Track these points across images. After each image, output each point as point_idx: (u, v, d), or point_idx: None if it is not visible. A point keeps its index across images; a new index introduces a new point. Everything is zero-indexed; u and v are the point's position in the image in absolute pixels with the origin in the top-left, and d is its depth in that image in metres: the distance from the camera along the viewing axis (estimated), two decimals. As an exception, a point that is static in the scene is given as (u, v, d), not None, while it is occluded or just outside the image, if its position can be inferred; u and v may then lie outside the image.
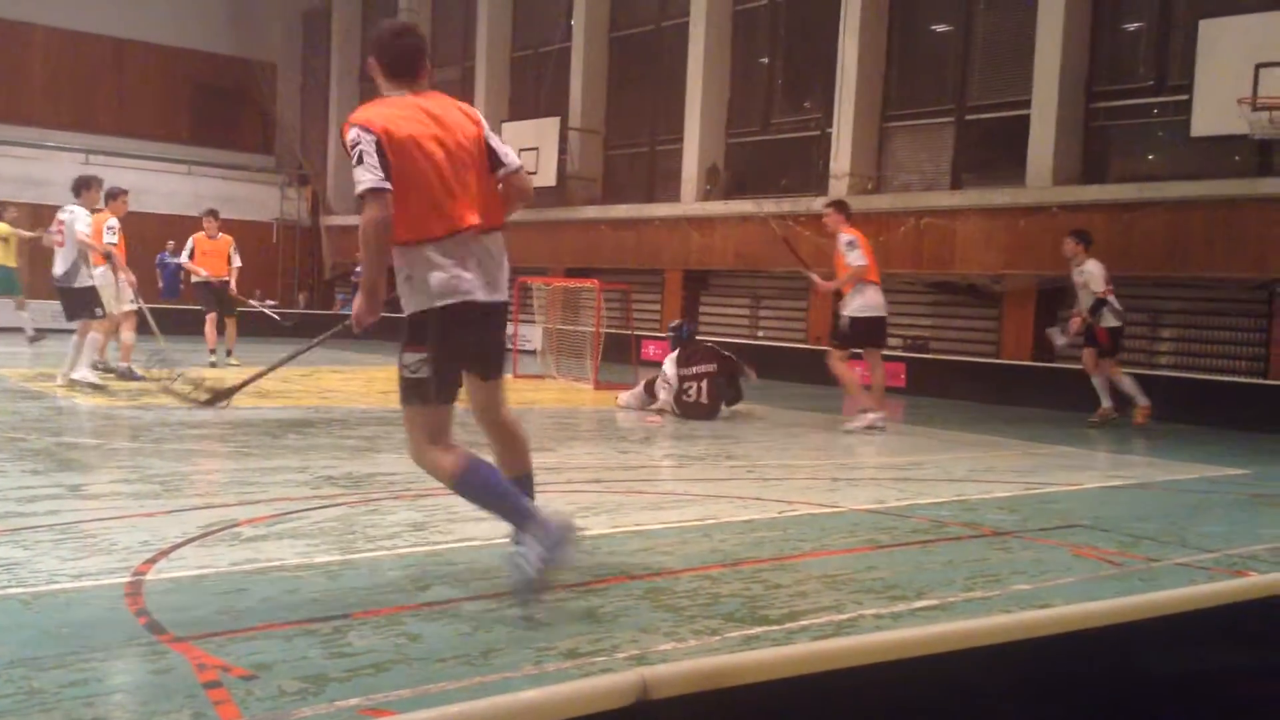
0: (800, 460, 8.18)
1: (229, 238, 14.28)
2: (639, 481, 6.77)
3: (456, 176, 3.88)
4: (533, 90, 21.79)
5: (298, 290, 25.86)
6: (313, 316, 23.63)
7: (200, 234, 14.27)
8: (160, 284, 15.44)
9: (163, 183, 23.49)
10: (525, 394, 12.35)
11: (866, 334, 9.94)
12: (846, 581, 4.38)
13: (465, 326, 3.90)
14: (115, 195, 11.23)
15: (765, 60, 18.18)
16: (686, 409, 10.37)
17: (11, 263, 15.36)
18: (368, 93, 24.20)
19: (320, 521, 5.13)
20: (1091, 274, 11.02)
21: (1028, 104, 13.87)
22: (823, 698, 1.65)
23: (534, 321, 16.65)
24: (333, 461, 6.88)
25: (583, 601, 3.94)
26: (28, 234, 15.49)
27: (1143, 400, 10.98)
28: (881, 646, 1.72)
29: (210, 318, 14.05)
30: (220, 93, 25.65)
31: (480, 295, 3.90)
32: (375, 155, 3.78)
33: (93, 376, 10.33)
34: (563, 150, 19.78)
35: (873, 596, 4.18)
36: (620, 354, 15.42)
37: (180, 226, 17.99)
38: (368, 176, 3.78)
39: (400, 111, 3.93)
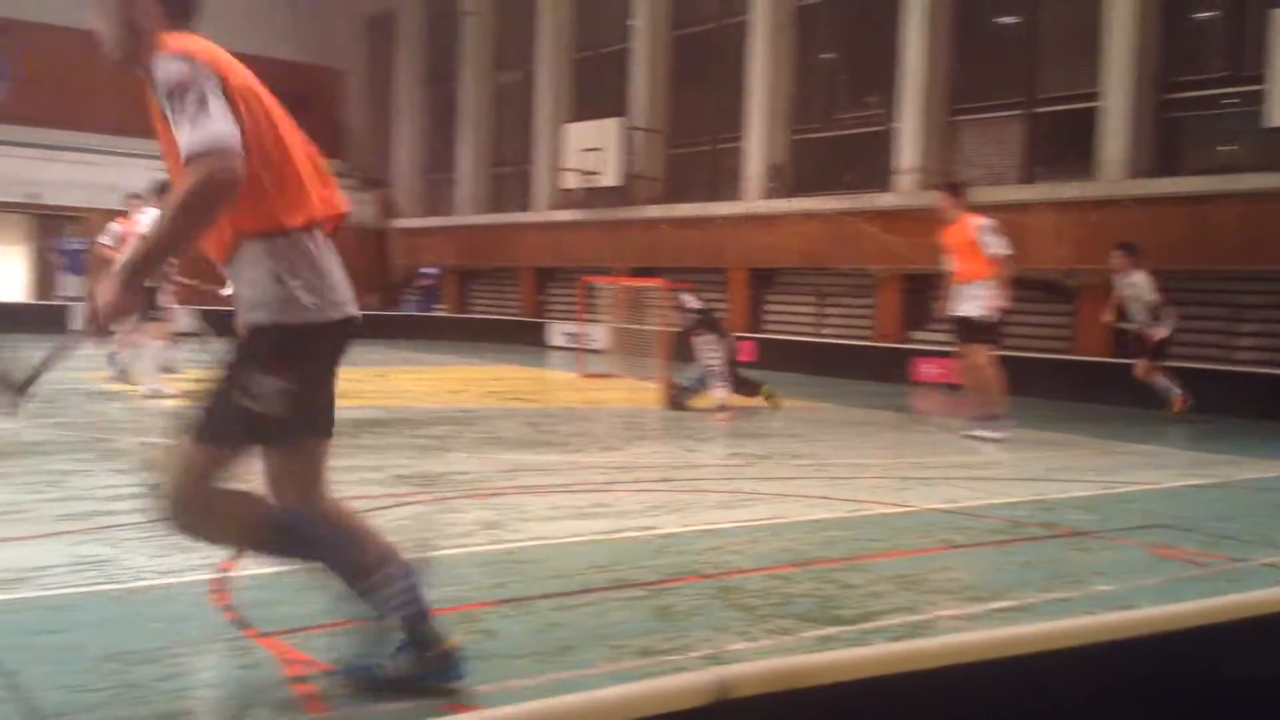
0: (869, 459, 8.14)
1: None
2: (707, 480, 6.79)
3: (302, 147, 3.01)
4: (594, 91, 21.90)
5: (368, 293, 26.27)
6: (379, 318, 23.99)
7: None
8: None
9: (235, 188, 23.93)
10: (592, 393, 12.43)
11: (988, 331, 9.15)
12: (920, 582, 4.36)
13: (340, 353, 3.08)
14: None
15: (827, 56, 18.08)
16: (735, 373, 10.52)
17: None
18: (435, 98, 24.35)
19: (396, 520, 5.22)
20: (1142, 285, 11.08)
21: (1098, 96, 13.64)
22: (901, 699, 1.65)
23: (599, 321, 16.73)
24: (406, 460, 7.00)
25: (656, 600, 3.97)
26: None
27: (1178, 391, 11.14)
28: (960, 648, 1.72)
29: None
30: (289, 99, 25.60)
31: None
32: (223, 99, 2.75)
33: (164, 390, 10.14)
34: (625, 150, 19.84)
35: (948, 597, 4.16)
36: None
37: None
38: (219, 126, 2.67)
39: (223, 53, 2.93)
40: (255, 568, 4.22)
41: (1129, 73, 13.25)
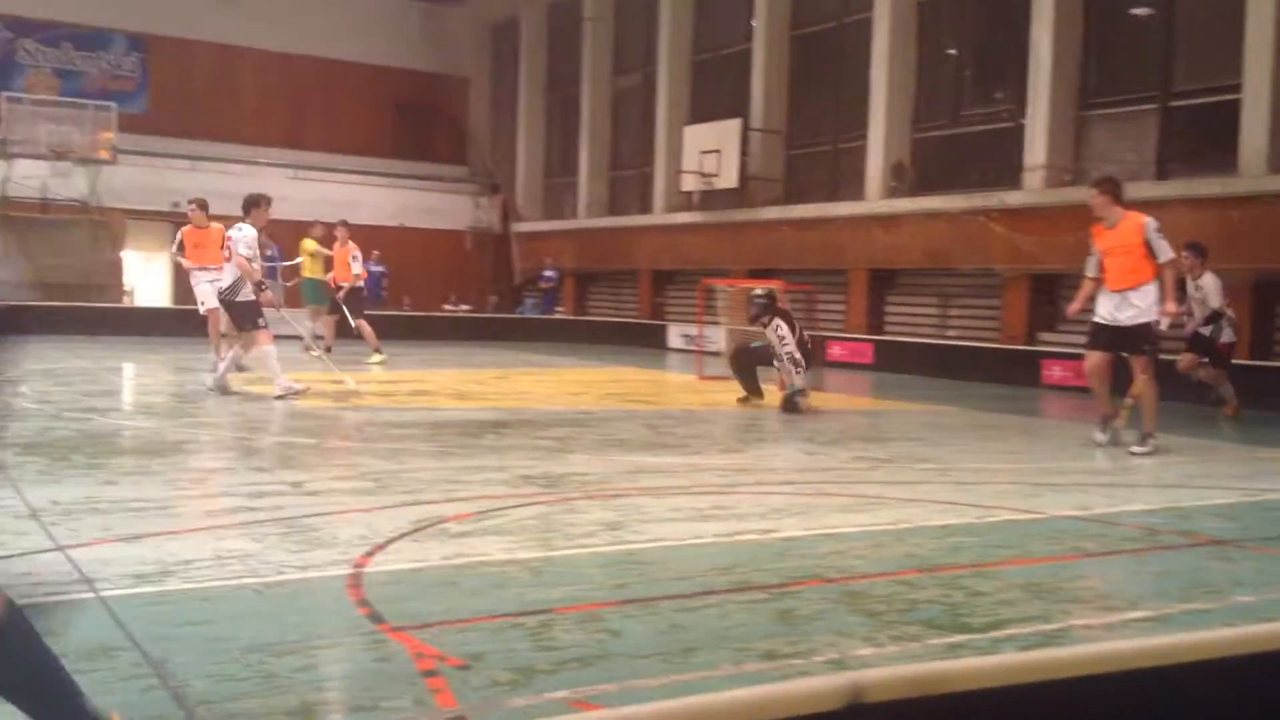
0: (996, 464, 7.95)
1: (351, 245, 15.38)
2: (829, 484, 6.73)
3: None
4: (714, 93, 21.91)
5: (489, 294, 26.76)
6: (500, 320, 24.44)
7: (336, 242, 15.47)
8: (364, 292, 16.38)
9: (366, 195, 24.73)
10: (711, 395, 12.43)
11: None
12: (1053, 590, 4.25)
13: None
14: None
15: (953, 51, 17.75)
16: (808, 357, 10.52)
17: (320, 275, 16.57)
18: (555, 103, 24.75)
19: (520, 519, 5.31)
20: (1210, 288, 10.83)
21: (1238, 87, 13.07)
22: (1036, 709, 1.63)
23: (718, 323, 16.73)
24: (529, 461, 7.11)
25: (778, 604, 3.96)
26: (329, 252, 16.61)
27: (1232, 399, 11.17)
28: (1096, 658, 1.68)
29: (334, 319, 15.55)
30: (418, 108, 26.86)
31: None
32: None
33: (295, 385, 10.35)
34: (744, 152, 19.80)
35: (1082, 606, 4.05)
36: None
37: (383, 237, 18.93)
38: None
39: None
40: (388, 564, 4.36)
41: (1271, 61, 12.67)
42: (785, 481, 6.75)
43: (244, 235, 10.48)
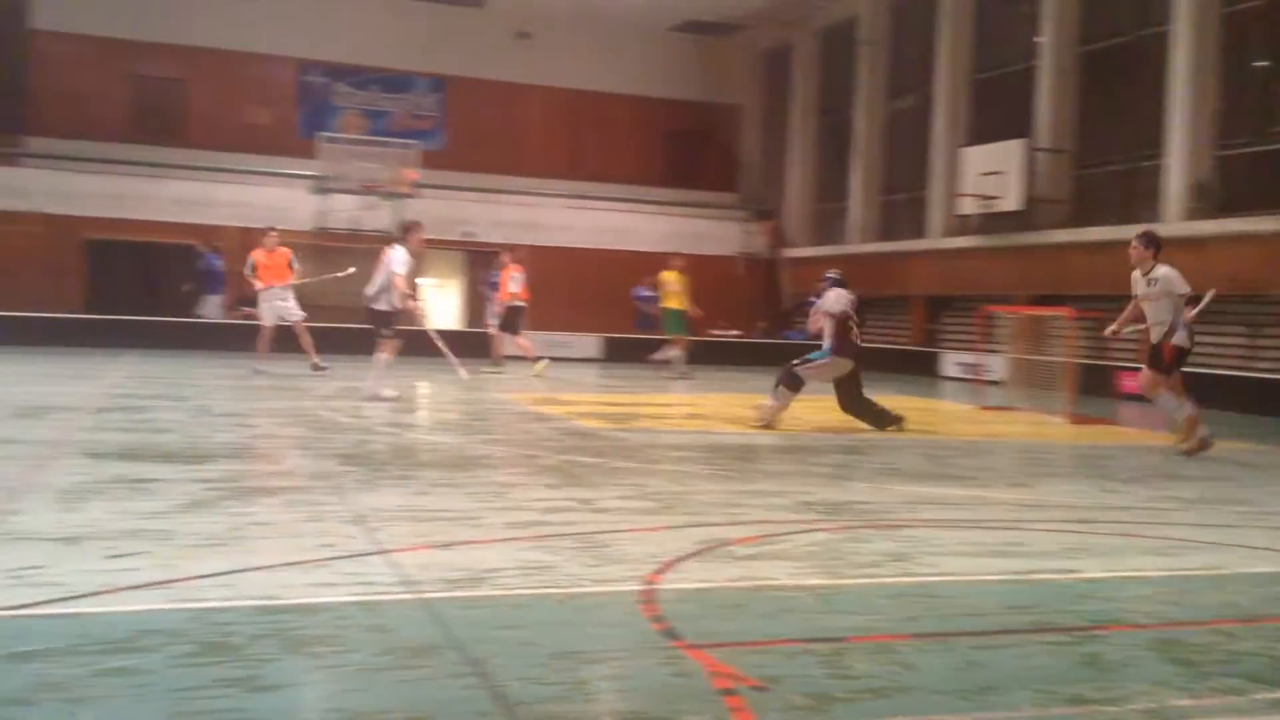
0: (1321, 509, 7.26)
1: (512, 268, 17.05)
2: (1131, 524, 6.35)
3: None
4: (993, 113, 21.21)
5: (758, 320, 26.91)
6: (768, 345, 24.52)
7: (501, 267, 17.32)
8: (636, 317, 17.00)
9: (638, 222, 25.53)
10: (992, 426, 12.01)
11: None
12: (1400, 651, 3.85)
13: None
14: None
15: (1261, 63, 16.41)
16: (852, 349, 10.65)
17: (683, 306, 17.51)
18: (827, 128, 24.71)
19: (804, 545, 5.32)
20: (1170, 278, 9.35)
21: None
22: None
23: (999, 351, 16.13)
24: (807, 487, 7.11)
25: (1083, 647, 3.78)
26: (677, 287, 17.62)
27: (1190, 410, 9.51)
28: None
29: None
30: (689, 136, 27.49)
31: None
32: None
33: (385, 393, 11.53)
34: (1028, 173, 19.02)
35: None
36: (1096, 386, 14.54)
37: (653, 263, 19.41)
38: None
39: None
40: (678, 583, 4.48)
41: None
42: (1081, 520, 6.42)
43: (398, 254, 11.84)
